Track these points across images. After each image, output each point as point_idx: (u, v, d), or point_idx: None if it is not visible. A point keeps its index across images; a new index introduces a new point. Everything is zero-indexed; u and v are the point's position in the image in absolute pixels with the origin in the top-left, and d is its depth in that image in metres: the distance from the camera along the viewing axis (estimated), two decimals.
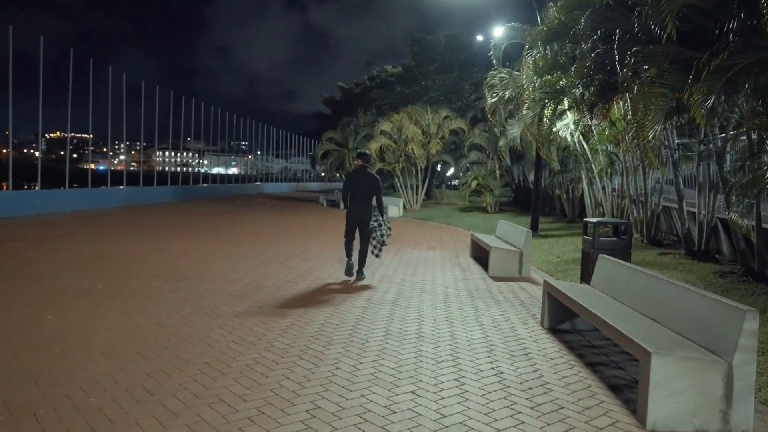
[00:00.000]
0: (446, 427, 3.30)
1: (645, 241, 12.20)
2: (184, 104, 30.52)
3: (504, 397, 3.79)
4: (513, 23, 14.83)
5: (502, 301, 6.93)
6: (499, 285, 8.00)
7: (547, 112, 11.23)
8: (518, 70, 14.54)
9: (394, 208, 21.92)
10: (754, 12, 5.94)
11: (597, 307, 4.67)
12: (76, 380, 3.84)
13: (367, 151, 9.33)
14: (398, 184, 27.74)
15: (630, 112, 9.60)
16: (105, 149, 32.03)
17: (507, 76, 15.27)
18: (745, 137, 8.09)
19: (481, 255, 10.25)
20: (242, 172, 54.34)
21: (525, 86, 12.39)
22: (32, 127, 19.98)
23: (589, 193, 15.85)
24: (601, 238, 7.62)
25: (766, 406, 3.77)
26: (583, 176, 15.97)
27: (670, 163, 11.07)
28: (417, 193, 27.41)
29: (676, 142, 11.21)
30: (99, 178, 24.43)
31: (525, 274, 8.68)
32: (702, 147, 10.39)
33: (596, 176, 14.93)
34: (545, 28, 10.73)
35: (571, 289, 5.53)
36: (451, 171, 45.34)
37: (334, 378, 4.05)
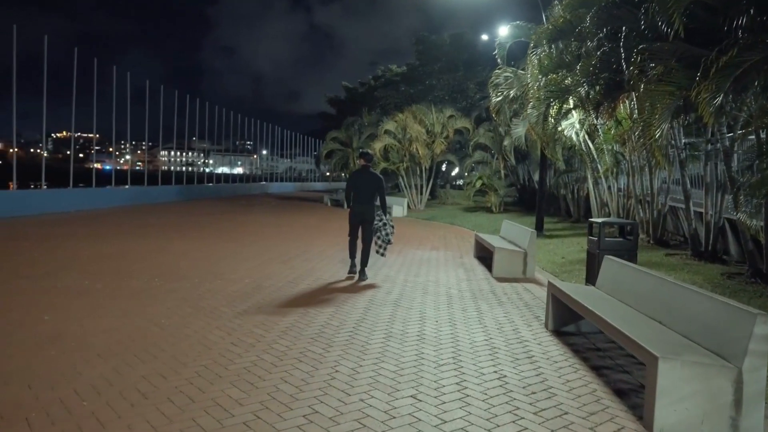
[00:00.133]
0: None
1: (651, 242, 12.07)
2: (189, 104, 30.61)
3: (506, 402, 3.70)
4: (518, 22, 14.73)
5: (506, 302, 6.84)
6: (503, 286, 7.90)
7: (552, 111, 11.12)
8: (523, 69, 14.42)
9: (398, 207, 21.84)
10: (763, 8, 5.83)
11: (602, 309, 4.58)
12: (71, 383, 3.77)
13: (370, 151, 9.27)
14: (402, 184, 27.66)
15: (636, 111, 9.49)
16: (111, 149, 32.04)
17: (512, 75, 15.15)
18: (753, 136, 7.97)
19: (485, 255, 10.16)
20: (247, 172, 54.40)
21: (530, 85, 12.29)
22: (40, 127, 20.04)
23: (594, 192, 15.72)
24: (607, 239, 7.50)
25: None
26: (589, 176, 15.83)
27: (677, 163, 10.93)
28: (421, 193, 27.32)
29: (683, 141, 11.07)
30: (104, 178, 24.47)
31: (529, 275, 8.58)
32: (709, 146, 10.26)
33: (602, 176, 14.81)
34: (550, 27, 10.63)
35: (576, 290, 5.43)
36: (455, 171, 45.25)
37: (333, 381, 3.97)
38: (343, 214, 8.76)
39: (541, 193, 15.46)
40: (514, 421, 3.40)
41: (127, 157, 32.27)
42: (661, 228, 12.22)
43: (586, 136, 14.39)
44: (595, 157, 14.64)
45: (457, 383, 4.01)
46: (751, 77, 5.88)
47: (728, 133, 9.23)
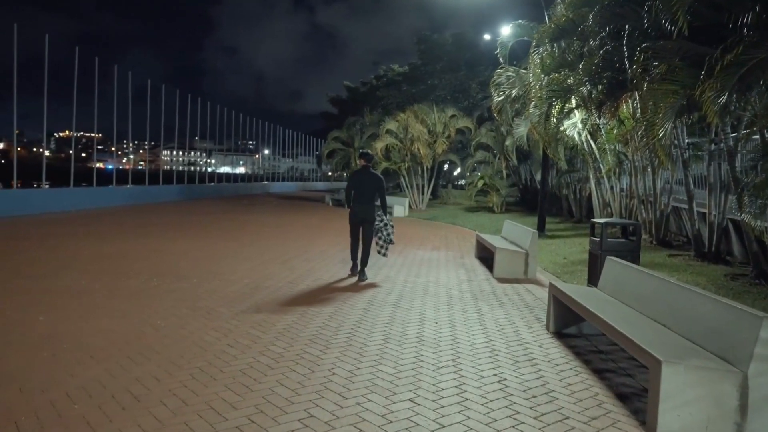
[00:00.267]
0: None
1: (654, 243, 11.97)
2: (192, 104, 30.58)
3: (506, 406, 3.62)
4: (520, 21, 14.63)
5: (507, 303, 6.76)
6: (504, 287, 7.82)
7: (554, 110, 11.03)
8: (525, 69, 14.34)
9: (399, 207, 21.76)
10: None
11: (604, 311, 4.50)
12: (63, 385, 3.71)
13: (370, 151, 9.25)
14: (404, 184, 27.59)
15: (639, 111, 9.40)
16: (113, 148, 32.03)
17: (514, 74, 15.07)
18: (757, 136, 7.87)
19: (486, 256, 10.08)
20: (249, 172, 54.38)
21: (532, 84, 12.21)
22: (42, 126, 19.98)
23: (596, 193, 15.62)
24: (609, 239, 7.42)
25: None
26: (591, 176, 15.74)
27: (680, 163, 10.83)
28: (423, 193, 27.24)
29: (686, 141, 10.98)
30: (107, 177, 24.47)
31: (531, 276, 8.50)
32: (713, 146, 10.16)
33: (604, 176, 14.71)
34: (553, 26, 10.54)
35: (578, 292, 5.35)
36: (457, 170, 45.16)
37: (329, 384, 3.90)
38: (344, 214, 8.71)
39: (543, 193, 15.36)
40: (513, 426, 3.33)
41: (130, 156, 32.21)
42: (664, 229, 12.12)
43: (589, 136, 14.30)
44: (598, 157, 14.55)
45: (456, 386, 3.93)
46: (756, 75, 5.79)
47: (732, 132, 9.14)
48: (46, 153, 27.70)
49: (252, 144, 53.36)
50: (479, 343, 5.01)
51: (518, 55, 17.30)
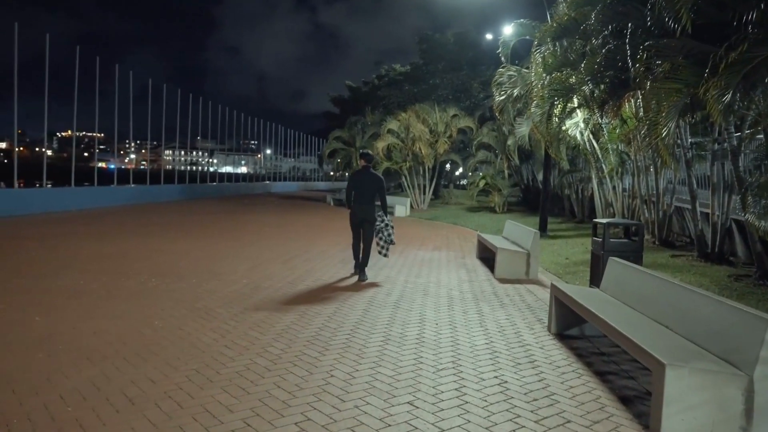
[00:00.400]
0: None
1: (657, 243, 11.89)
2: (193, 103, 30.56)
3: (507, 409, 3.56)
4: (522, 20, 14.56)
5: (508, 304, 6.70)
6: (506, 287, 7.76)
7: (556, 110, 10.96)
8: (527, 68, 14.26)
9: (401, 207, 21.71)
10: None
11: (606, 312, 4.44)
12: (57, 387, 3.66)
13: (370, 151, 9.21)
14: (405, 184, 27.52)
15: (642, 110, 9.32)
16: (116, 148, 32.03)
17: (516, 73, 14.99)
18: (761, 135, 7.80)
19: (487, 256, 10.01)
20: (251, 171, 54.39)
21: (534, 84, 12.13)
22: (44, 126, 19.95)
23: (599, 193, 15.54)
24: (612, 240, 7.36)
25: None
26: (593, 176, 15.65)
27: (683, 163, 10.76)
28: (424, 193, 27.17)
29: (690, 140, 10.90)
30: (109, 177, 24.46)
31: (532, 276, 8.44)
32: (716, 146, 10.08)
33: (606, 176, 14.61)
34: (555, 25, 10.48)
35: (580, 293, 5.28)
36: (459, 170, 45.07)
37: (327, 387, 3.84)
38: (345, 214, 8.66)
39: (545, 193, 15.28)
40: (514, 430, 3.27)
41: (132, 156, 32.23)
42: (667, 229, 12.04)
43: (591, 136, 14.21)
44: (600, 156, 14.46)
45: (456, 389, 3.88)
46: (760, 74, 5.72)
47: (736, 132, 9.06)
48: (48, 153, 27.70)
49: (254, 144, 53.36)
50: (480, 345, 4.95)
51: (520, 54, 17.24)
